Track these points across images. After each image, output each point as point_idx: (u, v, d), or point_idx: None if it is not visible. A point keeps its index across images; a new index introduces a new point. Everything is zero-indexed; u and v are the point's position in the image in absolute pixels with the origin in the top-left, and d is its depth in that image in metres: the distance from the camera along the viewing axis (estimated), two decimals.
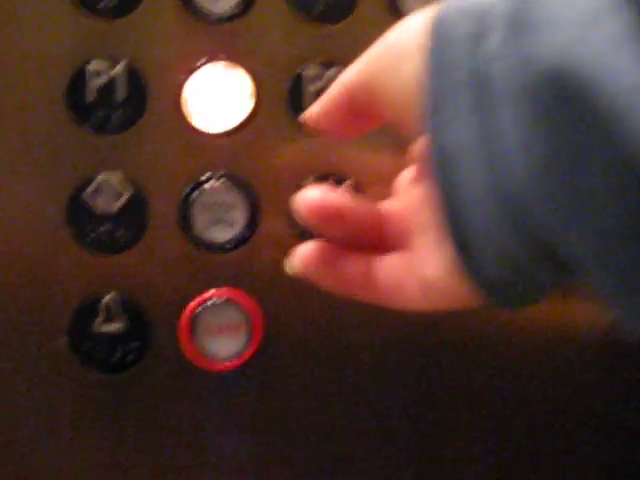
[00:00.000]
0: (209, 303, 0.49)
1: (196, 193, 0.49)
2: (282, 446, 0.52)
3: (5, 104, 0.48)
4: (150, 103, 0.49)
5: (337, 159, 0.51)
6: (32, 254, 0.48)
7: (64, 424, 0.49)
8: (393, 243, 0.37)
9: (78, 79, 0.48)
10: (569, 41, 0.26)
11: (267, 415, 0.51)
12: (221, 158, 0.50)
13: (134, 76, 0.49)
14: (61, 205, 0.48)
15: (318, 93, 0.50)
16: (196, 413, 0.50)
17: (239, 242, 0.50)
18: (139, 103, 0.49)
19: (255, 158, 0.50)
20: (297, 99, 0.50)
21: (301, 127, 0.50)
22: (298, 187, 0.49)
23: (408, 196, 0.37)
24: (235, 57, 0.50)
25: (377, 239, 0.37)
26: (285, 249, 0.50)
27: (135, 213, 0.49)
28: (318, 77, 0.50)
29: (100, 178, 0.48)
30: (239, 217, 0.50)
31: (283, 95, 0.50)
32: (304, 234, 0.50)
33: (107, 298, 0.49)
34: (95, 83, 0.48)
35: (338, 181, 0.50)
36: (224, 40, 0.50)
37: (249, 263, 0.50)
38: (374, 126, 0.38)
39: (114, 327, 0.49)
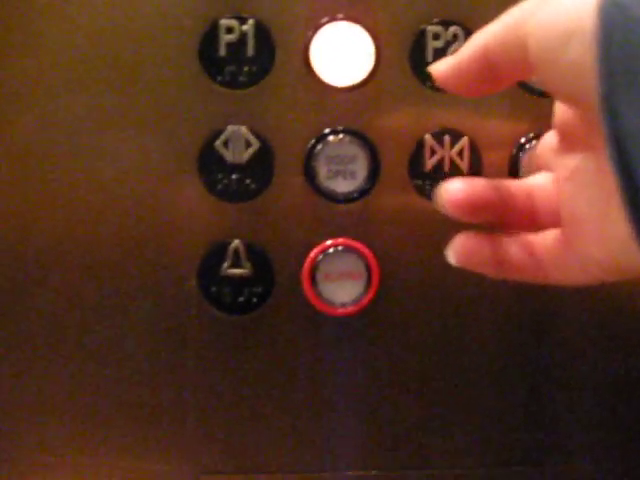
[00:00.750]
0: (330, 251, 0.52)
1: (320, 145, 0.51)
2: (391, 390, 0.54)
3: (140, 58, 0.51)
4: (277, 59, 0.51)
5: (454, 116, 0.53)
6: (165, 202, 0.51)
7: (192, 361, 0.52)
8: (543, 219, 0.37)
9: (210, 35, 0.51)
10: None
11: (380, 360, 0.54)
12: (344, 113, 0.52)
13: (263, 33, 0.51)
14: (193, 155, 0.51)
15: (439, 51, 0.52)
16: (314, 353, 0.53)
17: (360, 193, 0.52)
18: (267, 59, 0.51)
19: (376, 113, 0.52)
20: (418, 56, 0.52)
21: (423, 82, 0.52)
22: (417, 142, 0.52)
23: (557, 169, 0.37)
24: (357, 15, 0.52)
25: (527, 217, 0.37)
26: (403, 201, 0.53)
27: (262, 163, 0.51)
28: (439, 35, 0.52)
29: (230, 130, 0.51)
30: (360, 169, 0.52)
31: (405, 52, 0.52)
32: (423, 187, 0.52)
33: (234, 244, 0.52)
34: (226, 39, 0.51)
35: (454, 137, 0.52)
36: None
37: (369, 214, 0.52)
38: (506, 86, 0.38)
39: (240, 271, 0.52)
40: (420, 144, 0.52)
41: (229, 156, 0.51)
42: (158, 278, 0.52)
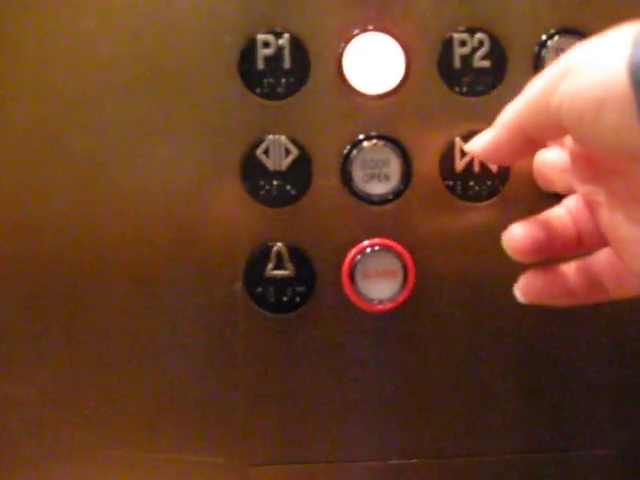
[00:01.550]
0: (367, 251, 0.54)
1: (355, 151, 0.54)
2: (425, 382, 0.56)
3: (184, 74, 0.54)
4: (312, 70, 0.54)
5: (481, 119, 0.55)
6: (211, 208, 0.54)
7: (240, 357, 0.55)
8: (588, 240, 0.39)
9: (249, 50, 0.54)
10: None
11: (416, 354, 0.56)
12: (377, 119, 0.54)
13: (298, 47, 0.54)
14: (236, 163, 0.54)
15: (466, 57, 0.54)
16: (354, 348, 0.55)
17: (394, 195, 0.54)
18: (303, 71, 0.54)
19: (407, 119, 0.54)
20: (446, 63, 0.54)
21: (452, 87, 0.54)
22: (447, 145, 0.54)
23: (585, 194, 0.38)
24: (387, 26, 0.54)
25: (574, 242, 0.40)
26: (436, 201, 0.55)
27: (301, 170, 0.54)
28: (465, 42, 0.54)
29: (270, 139, 0.54)
30: (394, 172, 0.54)
31: (433, 60, 0.54)
32: (455, 188, 0.55)
33: (277, 247, 0.54)
34: (264, 53, 0.54)
35: None
36: (378, 10, 0.54)
37: (403, 214, 0.55)
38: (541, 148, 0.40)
39: (283, 272, 0.54)
40: (450, 146, 0.54)
41: (270, 164, 0.54)
42: (207, 280, 0.55)
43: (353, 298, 0.54)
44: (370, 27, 0.54)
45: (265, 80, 0.54)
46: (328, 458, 0.56)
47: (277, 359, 0.55)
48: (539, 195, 0.54)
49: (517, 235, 0.39)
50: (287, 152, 0.54)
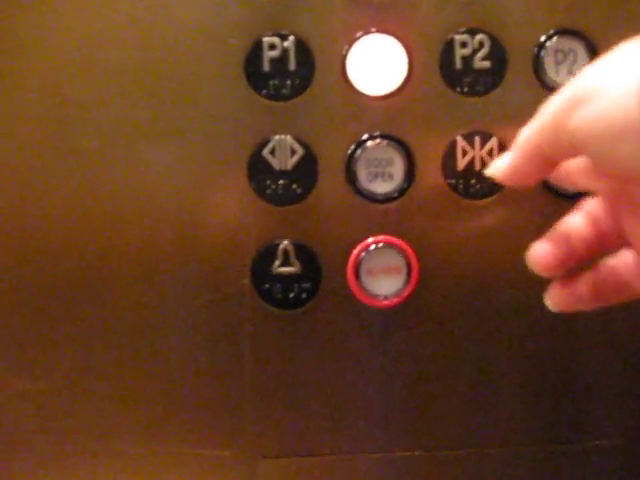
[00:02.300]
0: (372, 248, 0.56)
1: (359, 151, 0.55)
2: (431, 375, 0.58)
3: (192, 77, 0.55)
4: (317, 72, 0.55)
5: (483, 118, 0.56)
6: (219, 207, 0.56)
7: (248, 352, 0.56)
8: (609, 241, 0.40)
9: (255, 52, 0.55)
10: None
11: (420, 347, 0.57)
12: (380, 119, 0.56)
13: (303, 49, 0.55)
14: (243, 163, 0.55)
15: (466, 58, 0.55)
16: (360, 342, 0.57)
17: (398, 193, 0.56)
18: (308, 72, 0.55)
19: (410, 118, 0.56)
20: (447, 64, 0.55)
21: (453, 87, 0.56)
22: (449, 144, 0.56)
23: (609, 200, 0.39)
24: (390, 27, 0.55)
25: (597, 244, 0.40)
26: (438, 199, 0.57)
27: (307, 169, 0.55)
28: (466, 43, 0.55)
29: (276, 139, 0.55)
30: (397, 171, 0.56)
31: (434, 61, 0.56)
32: (457, 186, 0.56)
33: (284, 244, 0.56)
34: (269, 55, 0.55)
35: (484, 138, 0.56)
36: (381, 12, 0.55)
37: (407, 212, 0.56)
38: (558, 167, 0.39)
39: (290, 269, 0.56)
40: (452, 145, 0.56)
41: (276, 163, 0.55)
42: (215, 277, 0.56)
43: (358, 294, 0.56)
44: (373, 29, 0.55)
45: (271, 82, 0.55)
46: (334, 450, 0.57)
47: (284, 354, 0.57)
48: (538, 193, 0.56)
49: (540, 255, 0.40)
50: (293, 152, 0.55)
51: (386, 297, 0.56)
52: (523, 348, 0.58)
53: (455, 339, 0.57)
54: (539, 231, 0.55)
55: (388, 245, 0.56)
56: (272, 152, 0.55)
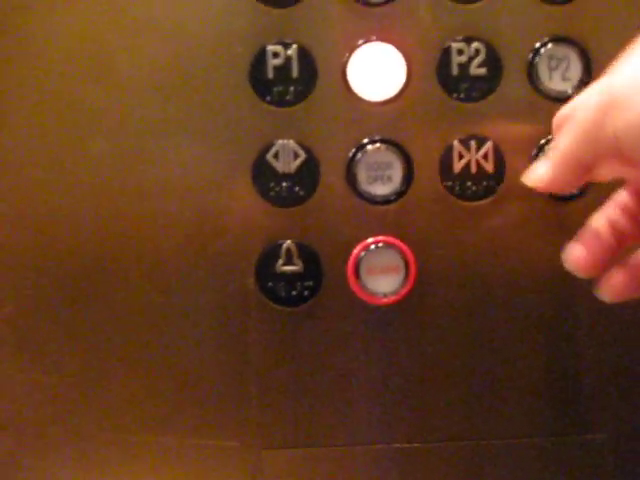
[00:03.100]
0: (372, 248, 0.58)
1: (360, 154, 0.57)
2: (429, 370, 0.59)
3: (198, 83, 0.57)
4: (319, 79, 0.57)
5: (478, 123, 0.58)
6: (224, 208, 0.58)
7: (252, 348, 0.58)
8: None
9: (259, 60, 0.57)
10: None
11: (419, 343, 0.59)
12: (380, 124, 0.57)
13: (305, 57, 0.57)
14: (248, 166, 0.57)
15: (463, 65, 0.57)
16: (360, 338, 0.59)
17: (397, 195, 0.58)
18: (310, 79, 0.57)
19: (409, 124, 0.58)
20: (444, 71, 0.57)
21: (450, 94, 0.57)
22: (446, 148, 0.58)
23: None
24: (389, 36, 0.57)
25: (632, 235, 0.40)
26: (436, 201, 0.58)
27: (309, 172, 0.57)
28: (462, 50, 0.57)
29: (279, 143, 0.57)
30: (396, 174, 0.57)
31: (432, 68, 0.57)
32: (453, 188, 0.58)
33: (287, 244, 0.58)
34: (273, 63, 0.57)
35: (479, 142, 0.58)
36: (381, 21, 0.57)
37: (405, 213, 0.58)
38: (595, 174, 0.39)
39: (293, 268, 0.58)
40: (449, 149, 0.57)
41: (279, 166, 0.57)
42: (220, 276, 0.58)
43: (358, 292, 0.58)
44: (373, 38, 0.57)
45: (275, 89, 0.57)
46: (337, 442, 0.59)
47: (287, 349, 0.58)
48: (533, 194, 0.57)
49: (578, 258, 0.40)
50: (295, 155, 0.57)
51: (385, 295, 0.58)
52: (519, 344, 0.59)
53: (452, 334, 0.59)
54: (534, 231, 0.58)
55: (387, 245, 0.58)
56: (276, 156, 0.57)
